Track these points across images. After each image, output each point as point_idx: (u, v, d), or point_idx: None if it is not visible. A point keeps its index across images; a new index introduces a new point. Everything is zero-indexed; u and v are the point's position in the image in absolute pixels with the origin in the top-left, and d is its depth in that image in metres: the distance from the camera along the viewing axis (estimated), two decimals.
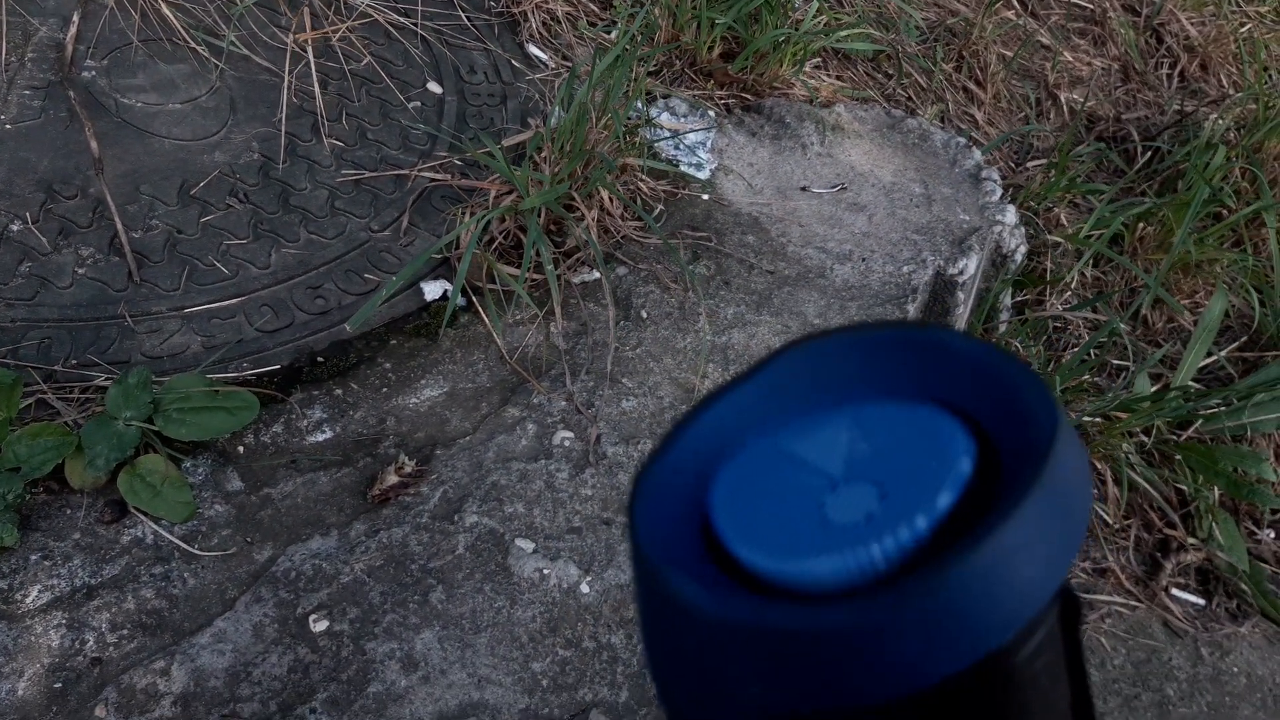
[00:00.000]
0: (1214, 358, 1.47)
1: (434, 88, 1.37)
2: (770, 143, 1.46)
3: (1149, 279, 1.45)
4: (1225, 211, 1.68)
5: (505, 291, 1.10)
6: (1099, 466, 1.29)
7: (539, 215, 1.14)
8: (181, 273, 1.04)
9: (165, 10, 1.28)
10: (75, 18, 1.23)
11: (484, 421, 0.97)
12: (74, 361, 0.94)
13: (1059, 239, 1.52)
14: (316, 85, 1.27)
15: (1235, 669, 1.28)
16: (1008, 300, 1.40)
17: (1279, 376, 1.43)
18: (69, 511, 0.84)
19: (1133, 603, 1.30)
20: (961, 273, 1.24)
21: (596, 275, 1.14)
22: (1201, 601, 1.33)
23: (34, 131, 1.11)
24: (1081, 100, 1.95)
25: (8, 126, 1.11)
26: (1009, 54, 1.98)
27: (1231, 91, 2.16)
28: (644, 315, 1.11)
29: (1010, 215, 1.37)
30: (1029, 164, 1.76)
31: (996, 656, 0.25)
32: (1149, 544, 1.35)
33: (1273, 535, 1.42)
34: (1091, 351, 1.40)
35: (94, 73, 1.19)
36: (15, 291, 0.98)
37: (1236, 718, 1.24)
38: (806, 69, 1.68)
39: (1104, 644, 1.25)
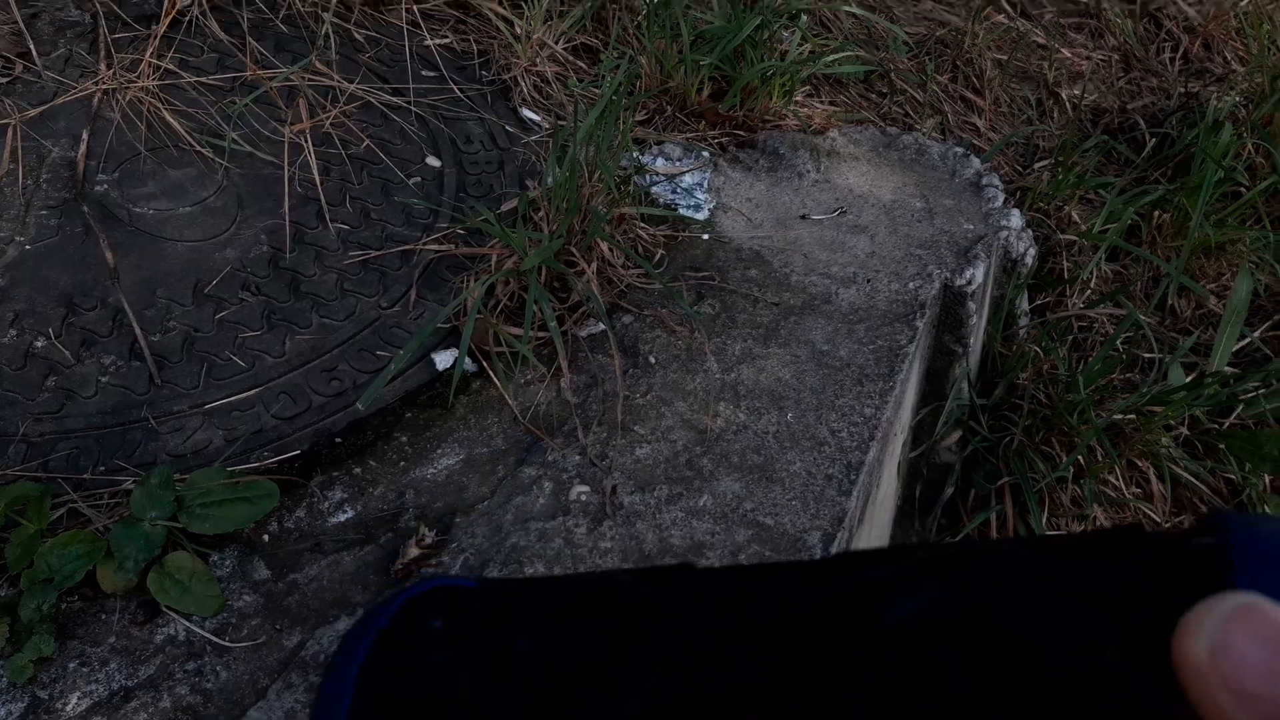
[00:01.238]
0: (1247, 340, 1.43)
1: (433, 161, 1.40)
2: (766, 175, 1.47)
3: (1169, 267, 1.42)
4: (1243, 190, 1.65)
5: (513, 353, 1.12)
6: (1139, 464, 1.26)
7: (539, 274, 1.16)
8: (200, 370, 1.07)
9: (169, 118, 1.33)
10: (85, 135, 1.29)
11: (501, 484, 0.97)
12: (102, 468, 0.97)
13: (1073, 237, 1.50)
14: (317, 173, 1.31)
15: None
16: (1025, 305, 1.38)
17: None
18: (104, 616, 0.85)
19: None
20: (970, 283, 1.23)
21: (602, 327, 1.15)
22: None
23: (52, 249, 1.16)
24: (1082, 95, 1.93)
25: (28, 247, 1.16)
26: (1004, 58, 1.97)
27: (1237, 68, 2.12)
28: (652, 361, 1.12)
29: (1015, 219, 1.36)
30: (1036, 165, 1.74)
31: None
32: None
33: None
34: (1119, 347, 1.37)
35: (106, 185, 1.24)
36: (42, 406, 1.01)
37: None
38: (798, 98, 1.69)
39: None
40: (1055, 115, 1.90)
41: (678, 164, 1.46)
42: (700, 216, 1.37)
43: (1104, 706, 0.28)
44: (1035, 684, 0.29)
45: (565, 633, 0.35)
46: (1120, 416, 1.25)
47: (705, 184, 1.43)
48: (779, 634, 0.33)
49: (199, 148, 1.31)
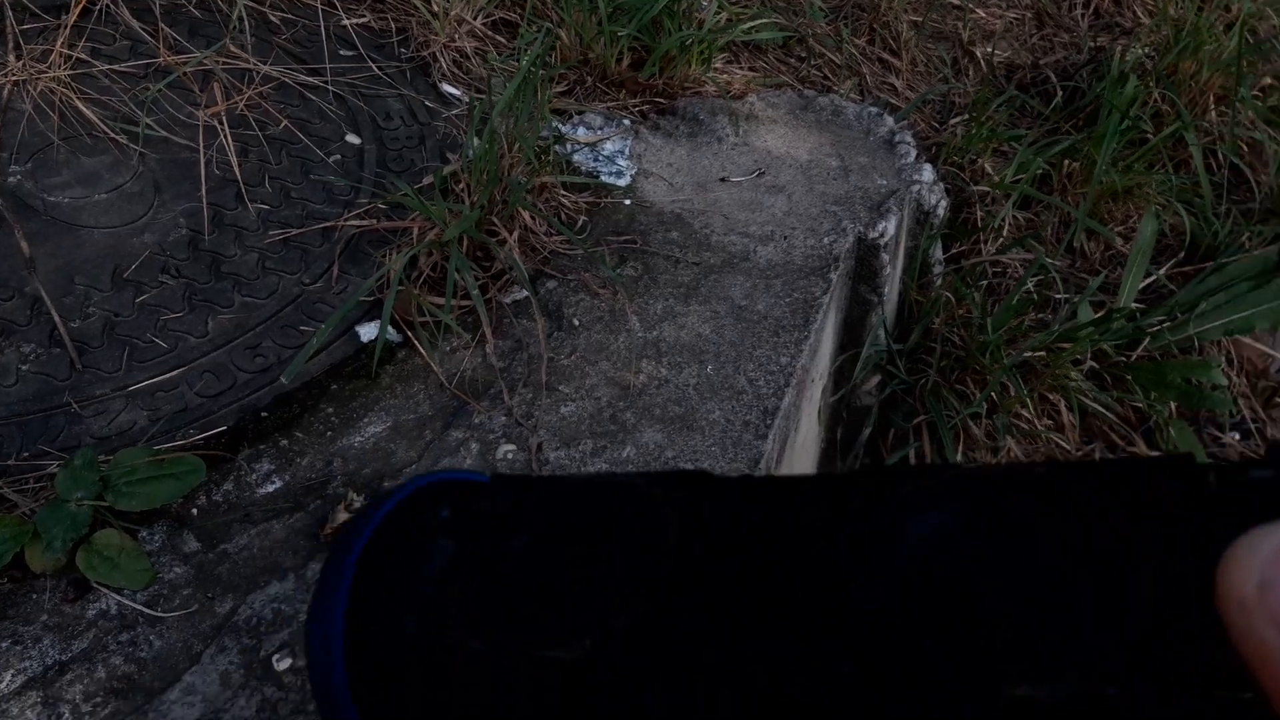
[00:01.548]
0: (1153, 277, 1.50)
1: (352, 139, 1.40)
2: (686, 141, 1.50)
3: (1077, 212, 1.47)
4: (1149, 136, 1.71)
5: (437, 322, 1.13)
6: (1050, 398, 1.31)
7: (461, 244, 1.17)
8: (122, 354, 1.07)
9: (81, 106, 1.32)
10: None
11: (429, 448, 0.99)
12: (26, 454, 0.97)
13: (986, 188, 1.55)
14: (233, 155, 1.31)
15: None
16: (938, 254, 1.42)
17: (1218, 285, 1.45)
18: (35, 596, 0.86)
19: None
20: (882, 235, 1.27)
21: (526, 293, 1.17)
22: None
23: None
24: (992, 53, 1.99)
25: None
26: (920, 20, 2.01)
27: (1145, 20, 2.19)
28: (576, 323, 1.14)
29: (927, 173, 1.40)
30: (951, 121, 1.79)
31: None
32: None
33: (1237, 437, 1.44)
34: (1032, 289, 1.42)
35: (19, 177, 1.23)
36: None
37: None
38: (716, 65, 1.72)
39: None
40: (970, 73, 1.95)
41: (599, 133, 1.48)
42: (622, 182, 1.39)
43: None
44: (1017, 670, 0.26)
45: (562, 534, 0.34)
46: (1031, 354, 1.30)
47: (626, 151, 1.45)
48: (741, 573, 0.31)
49: (113, 135, 1.31)
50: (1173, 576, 0.26)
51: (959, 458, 1.25)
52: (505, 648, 0.31)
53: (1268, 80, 2.02)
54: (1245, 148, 1.76)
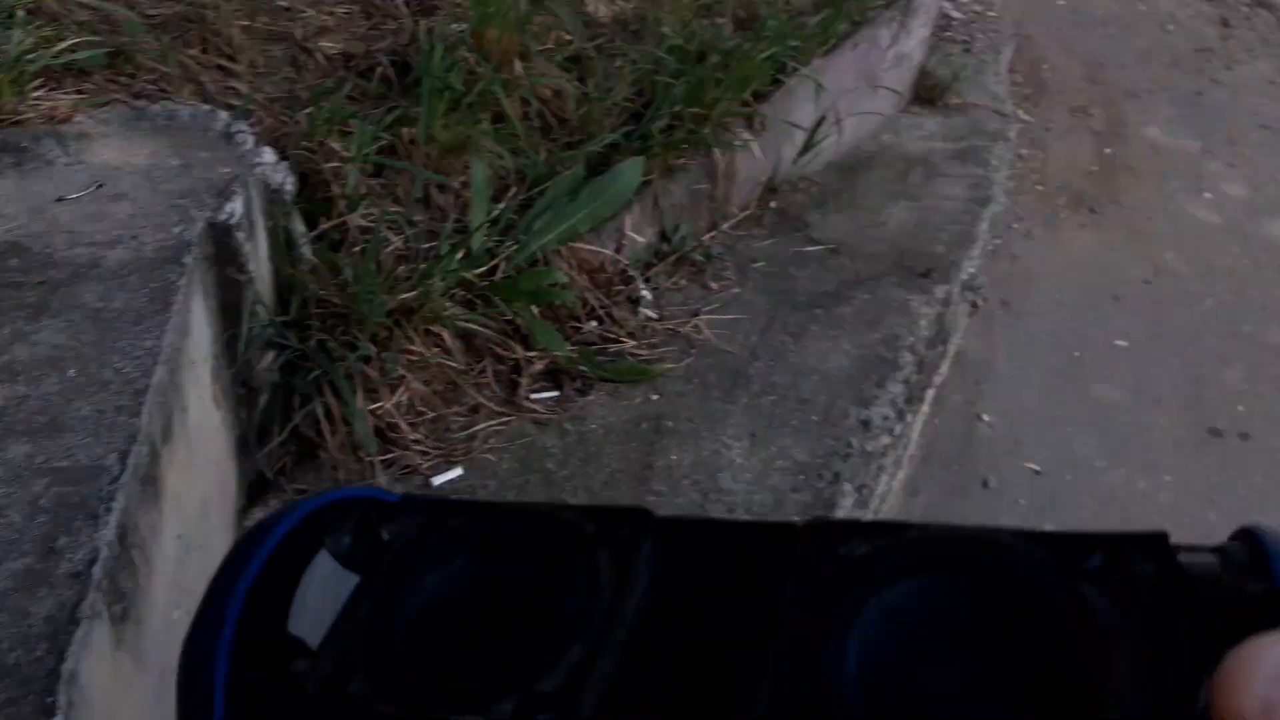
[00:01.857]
0: (497, 212, 1.78)
1: None
2: (13, 171, 1.43)
3: (416, 169, 1.69)
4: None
5: None
6: (434, 330, 1.51)
7: None
8: None
9: None
10: None
11: None
12: None
13: (338, 163, 1.70)
14: None
15: (594, 426, 1.62)
16: (301, 228, 1.54)
17: (545, 205, 1.78)
18: None
19: (505, 419, 1.56)
20: (231, 216, 1.35)
21: None
22: (556, 393, 1.65)
23: None
24: (330, 46, 2.15)
25: None
26: (249, 25, 2.10)
27: (459, 1, 2.52)
28: None
29: (268, 155, 1.51)
30: (301, 113, 1.91)
31: None
32: (505, 373, 1.63)
33: (595, 324, 1.79)
34: (400, 245, 1.61)
35: None
36: None
37: (603, 456, 1.57)
38: (37, 94, 1.64)
39: (491, 459, 1.50)
40: (311, 68, 2.08)
41: None
42: None
43: None
44: None
45: (483, 574, 0.31)
46: (406, 295, 1.48)
47: None
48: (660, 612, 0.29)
49: None
50: (1156, 669, 0.25)
51: (360, 400, 1.40)
52: (414, 710, 0.28)
53: (564, 36, 2.47)
54: (550, 93, 2.15)
